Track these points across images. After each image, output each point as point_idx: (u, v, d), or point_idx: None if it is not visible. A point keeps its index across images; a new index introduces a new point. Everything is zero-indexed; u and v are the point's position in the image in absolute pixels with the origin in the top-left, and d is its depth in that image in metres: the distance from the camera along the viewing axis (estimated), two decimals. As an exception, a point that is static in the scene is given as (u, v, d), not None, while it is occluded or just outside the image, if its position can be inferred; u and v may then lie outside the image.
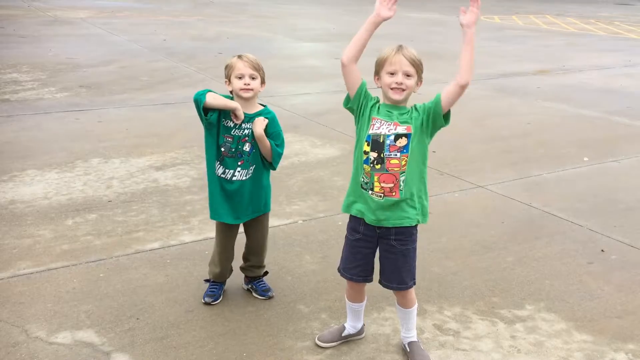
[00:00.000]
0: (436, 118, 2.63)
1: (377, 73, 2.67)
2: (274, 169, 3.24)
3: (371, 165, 2.64)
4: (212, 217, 3.27)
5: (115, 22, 15.13)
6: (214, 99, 2.99)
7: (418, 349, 2.91)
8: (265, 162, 3.18)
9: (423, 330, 3.15)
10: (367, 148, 2.65)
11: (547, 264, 3.88)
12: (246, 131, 3.07)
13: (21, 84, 8.49)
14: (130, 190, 4.87)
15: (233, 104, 3.03)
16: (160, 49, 11.64)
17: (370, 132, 2.65)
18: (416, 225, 2.74)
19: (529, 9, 22.95)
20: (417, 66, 2.62)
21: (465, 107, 8.03)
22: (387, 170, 2.63)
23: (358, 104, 2.70)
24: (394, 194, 2.64)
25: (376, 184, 2.65)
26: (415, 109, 2.68)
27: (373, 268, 2.84)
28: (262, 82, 3.11)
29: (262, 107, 3.16)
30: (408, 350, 2.92)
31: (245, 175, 3.13)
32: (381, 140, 2.63)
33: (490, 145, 6.41)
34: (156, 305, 3.29)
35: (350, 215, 2.80)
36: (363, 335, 3.06)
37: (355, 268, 2.83)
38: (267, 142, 3.08)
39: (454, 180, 5.32)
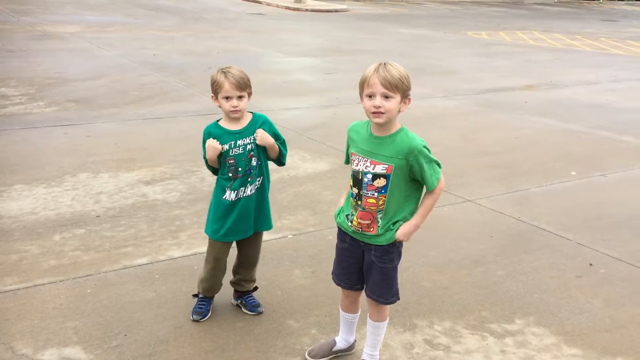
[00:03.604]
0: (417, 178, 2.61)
1: (360, 95, 2.54)
2: (284, 164, 3.29)
3: (355, 200, 2.66)
4: (219, 238, 3.19)
5: (105, 37, 15.13)
6: (210, 159, 3.12)
7: None
8: (267, 173, 3.24)
9: (413, 345, 3.14)
10: (351, 183, 2.67)
11: (536, 278, 3.89)
12: (248, 147, 3.09)
13: (9, 98, 8.45)
14: (118, 205, 4.84)
15: (213, 151, 3.07)
16: (150, 63, 11.64)
17: (352, 167, 2.66)
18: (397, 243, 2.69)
19: (516, 25, 23.21)
20: (396, 86, 2.43)
21: (453, 122, 8.09)
22: (364, 209, 2.62)
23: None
24: (371, 229, 2.64)
25: (355, 219, 2.66)
26: (404, 149, 2.52)
27: (362, 278, 2.80)
28: (249, 95, 3.12)
29: (250, 115, 3.17)
30: None
31: (253, 190, 3.15)
32: (360, 178, 2.61)
33: (478, 159, 6.45)
34: (144, 322, 3.26)
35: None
36: (354, 350, 3.05)
37: (342, 275, 2.84)
38: (276, 146, 3.15)
39: (443, 195, 5.30)
